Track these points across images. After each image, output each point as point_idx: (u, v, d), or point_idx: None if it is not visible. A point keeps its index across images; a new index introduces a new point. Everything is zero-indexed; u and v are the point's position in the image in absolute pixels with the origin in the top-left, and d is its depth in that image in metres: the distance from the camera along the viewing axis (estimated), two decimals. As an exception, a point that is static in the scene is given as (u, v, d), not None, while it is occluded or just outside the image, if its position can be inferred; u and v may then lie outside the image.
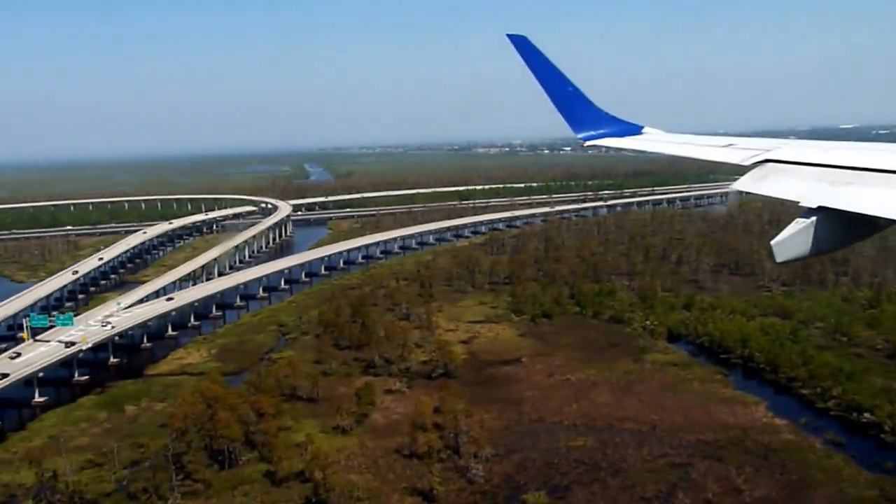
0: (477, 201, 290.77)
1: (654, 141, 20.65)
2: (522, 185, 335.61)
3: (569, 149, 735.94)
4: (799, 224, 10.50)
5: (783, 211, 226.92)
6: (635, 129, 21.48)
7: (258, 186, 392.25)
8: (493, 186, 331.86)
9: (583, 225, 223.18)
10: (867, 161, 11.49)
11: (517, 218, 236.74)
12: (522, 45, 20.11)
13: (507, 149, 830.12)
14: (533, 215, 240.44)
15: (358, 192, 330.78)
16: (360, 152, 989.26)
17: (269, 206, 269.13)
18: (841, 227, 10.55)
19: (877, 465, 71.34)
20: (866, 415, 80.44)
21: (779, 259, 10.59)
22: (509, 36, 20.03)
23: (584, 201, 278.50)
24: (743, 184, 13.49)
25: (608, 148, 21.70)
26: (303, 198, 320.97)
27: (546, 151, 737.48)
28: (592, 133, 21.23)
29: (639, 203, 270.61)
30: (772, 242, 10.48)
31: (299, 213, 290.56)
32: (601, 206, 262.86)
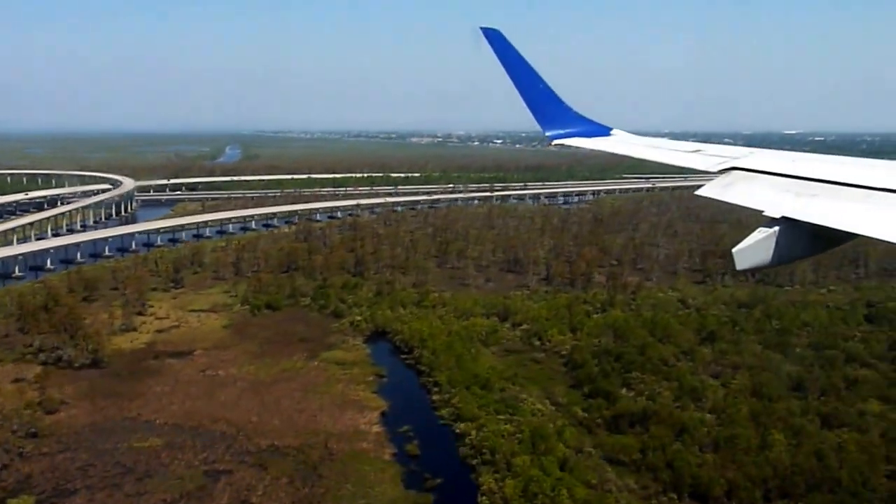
0: (348, 189, 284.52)
1: (621, 143, 20.41)
2: (403, 175, 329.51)
3: (499, 142, 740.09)
4: (761, 233, 10.39)
5: (626, 210, 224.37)
6: (604, 131, 21.32)
7: (153, 165, 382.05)
8: (372, 175, 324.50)
9: (418, 216, 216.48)
10: (833, 174, 11.44)
11: (360, 207, 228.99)
12: (495, 39, 19.59)
13: (440, 139, 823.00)
14: (377, 205, 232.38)
15: (236, 175, 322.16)
16: (297, 136, 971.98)
17: (121, 183, 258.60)
18: (803, 239, 10.43)
19: (425, 481, 66.27)
20: (461, 426, 75.49)
21: (739, 267, 10.48)
22: (483, 29, 19.53)
23: (451, 192, 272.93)
24: (708, 190, 13.26)
25: (577, 147, 21.63)
26: (184, 178, 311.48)
27: (476, 143, 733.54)
28: (561, 132, 21.03)
29: (501, 197, 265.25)
30: (733, 250, 10.34)
31: (173, 191, 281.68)
32: (457, 199, 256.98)
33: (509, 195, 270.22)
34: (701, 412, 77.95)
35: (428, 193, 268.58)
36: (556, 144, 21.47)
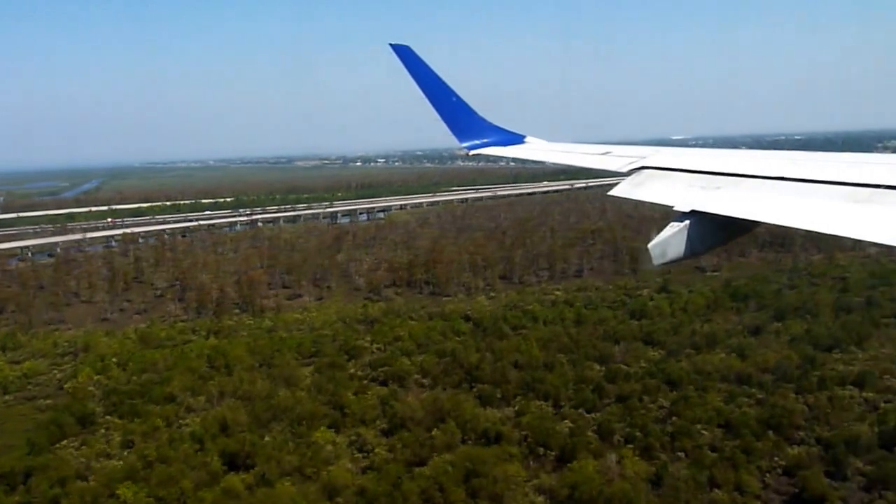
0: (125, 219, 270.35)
1: (535, 150, 20.80)
2: (212, 201, 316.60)
3: (381, 161, 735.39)
4: (673, 228, 10.41)
5: (397, 224, 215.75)
6: (518, 139, 21.61)
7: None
8: (178, 203, 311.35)
9: (157, 247, 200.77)
10: (735, 166, 11.68)
11: (87, 240, 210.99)
12: (406, 54, 19.61)
13: (327, 162, 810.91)
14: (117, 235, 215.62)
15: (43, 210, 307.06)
16: (188, 166, 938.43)
17: None
18: (712, 230, 10.52)
19: None
20: None
21: (655, 262, 10.36)
22: (392, 46, 19.49)
23: (246, 216, 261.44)
24: (620, 190, 13.20)
25: (492, 157, 22.36)
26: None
27: (358, 164, 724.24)
28: (476, 142, 21.16)
29: (292, 218, 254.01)
30: (648, 245, 10.28)
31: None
32: (236, 222, 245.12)
33: (300, 215, 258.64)
34: (122, 461, 67.23)
35: (226, 217, 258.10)
36: (473, 154, 21.54)
